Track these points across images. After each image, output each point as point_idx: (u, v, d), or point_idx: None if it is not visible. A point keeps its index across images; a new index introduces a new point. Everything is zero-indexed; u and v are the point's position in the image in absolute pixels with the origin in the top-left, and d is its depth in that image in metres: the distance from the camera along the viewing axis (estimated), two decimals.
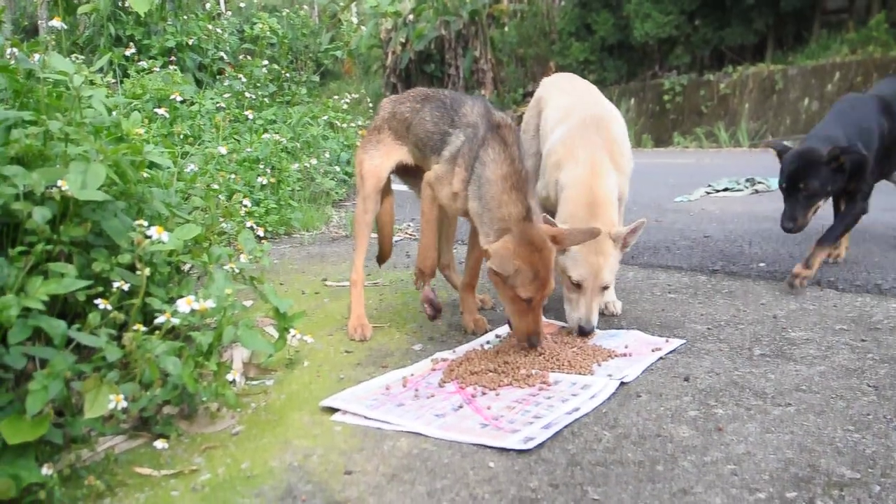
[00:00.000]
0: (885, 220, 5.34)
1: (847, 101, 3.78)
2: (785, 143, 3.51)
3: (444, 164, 2.80)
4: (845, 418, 2.01)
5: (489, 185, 2.59)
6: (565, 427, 2.00)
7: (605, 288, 2.89)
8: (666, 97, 18.72)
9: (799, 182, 3.29)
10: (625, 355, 2.60)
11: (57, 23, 2.85)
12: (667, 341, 2.74)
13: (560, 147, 3.18)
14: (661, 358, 2.57)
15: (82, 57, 6.53)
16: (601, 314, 3.17)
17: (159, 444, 1.93)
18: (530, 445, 1.87)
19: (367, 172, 3.09)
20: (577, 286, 2.83)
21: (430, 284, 2.93)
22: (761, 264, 4.01)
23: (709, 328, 2.94)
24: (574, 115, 3.29)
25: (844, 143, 3.33)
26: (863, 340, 2.68)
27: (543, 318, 2.97)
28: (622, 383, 2.32)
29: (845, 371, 2.37)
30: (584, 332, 2.81)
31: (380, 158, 3.10)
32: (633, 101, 19.74)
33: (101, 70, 5.82)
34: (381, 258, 3.46)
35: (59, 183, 1.99)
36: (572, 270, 2.81)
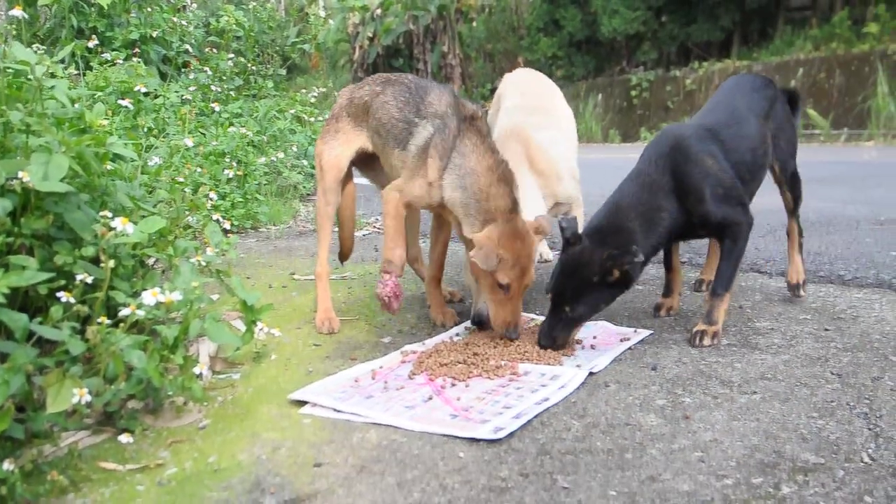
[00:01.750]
0: (848, 213, 5.44)
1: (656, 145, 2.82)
2: (572, 224, 2.59)
3: (412, 159, 2.75)
4: (809, 405, 2.04)
5: (474, 176, 2.58)
6: (535, 417, 2.00)
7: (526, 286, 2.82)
8: (633, 93, 18.88)
9: (564, 305, 2.53)
10: (593, 346, 2.61)
11: (18, 12, 2.79)
12: (635, 331, 2.76)
13: None
14: (629, 348, 2.59)
15: (44, 48, 6.41)
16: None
17: (124, 438, 1.90)
18: (500, 435, 1.87)
19: (327, 164, 3.03)
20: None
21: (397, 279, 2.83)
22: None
23: (676, 318, 2.97)
24: (501, 125, 3.27)
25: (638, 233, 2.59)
26: (826, 330, 2.72)
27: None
28: (591, 373, 2.33)
29: (809, 359, 2.41)
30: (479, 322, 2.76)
31: (339, 148, 3.04)
32: (600, 96, 19.87)
33: (63, 61, 5.73)
34: (343, 255, 3.41)
35: (21, 174, 1.95)
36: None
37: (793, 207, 3.20)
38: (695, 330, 2.65)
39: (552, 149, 3.11)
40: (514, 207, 2.56)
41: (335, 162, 3.03)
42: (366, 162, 3.13)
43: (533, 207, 2.88)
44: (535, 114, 3.31)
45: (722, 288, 2.67)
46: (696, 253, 4.21)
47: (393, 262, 2.79)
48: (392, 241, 2.80)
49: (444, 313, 2.99)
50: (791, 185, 3.16)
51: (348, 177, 3.17)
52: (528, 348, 2.56)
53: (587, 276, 2.51)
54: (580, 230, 2.64)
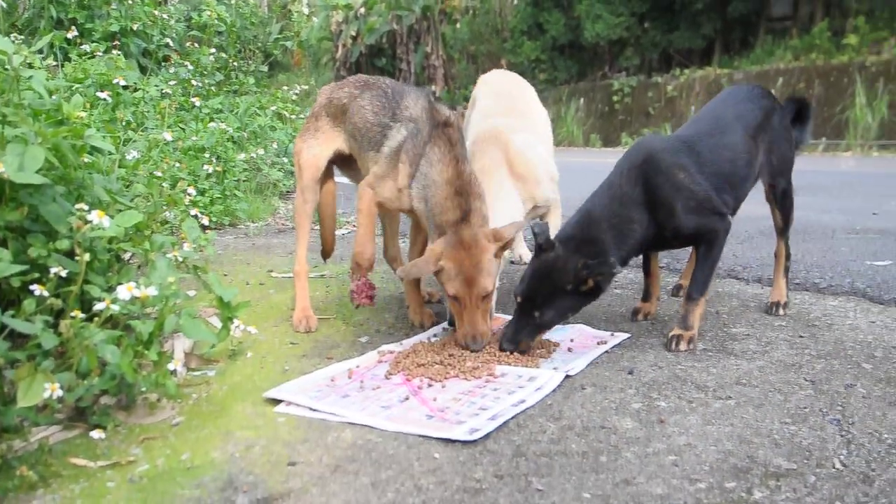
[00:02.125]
0: (824, 222, 5.50)
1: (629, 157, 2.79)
2: (545, 229, 2.56)
3: (385, 161, 2.74)
4: (783, 411, 2.05)
5: (435, 188, 2.57)
6: (511, 419, 2.00)
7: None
8: (615, 98, 18.96)
9: (533, 310, 2.52)
10: (570, 349, 2.62)
11: None
12: (612, 335, 2.77)
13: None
14: (606, 351, 2.60)
15: (22, 38, 6.33)
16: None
17: (96, 434, 1.88)
18: (476, 437, 1.87)
19: (305, 162, 3.03)
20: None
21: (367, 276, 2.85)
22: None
23: (653, 323, 2.98)
24: (477, 127, 3.24)
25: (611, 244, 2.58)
26: (801, 336, 2.74)
27: (494, 313, 2.98)
28: (567, 376, 2.34)
29: (783, 366, 2.43)
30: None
31: (318, 147, 3.03)
32: (582, 100, 19.94)
33: (41, 52, 5.66)
34: (325, 253, 3.41)
35: None
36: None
37: (782, 227, 3.15)
38: (671, 335, 2.66)
39: (530, 151, 3.09)
40: (463, 218, 2.51)
41: (313, 161, 3.02)
42: (345, 161, 3.12)
43: (510, 212, 2.86)
44: (510, 115, 3.29)
45: (697, 293, 2.68)
46: (675, 258, 4.23)
47: (360, 263, 2.80)
48: (362, 238, 2.81)
49: (422, 314, 2.97)
50: (781, 205, 3.10)
51: (328, 175, 3.16)
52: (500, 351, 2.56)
53: (560, 283, 2.51)
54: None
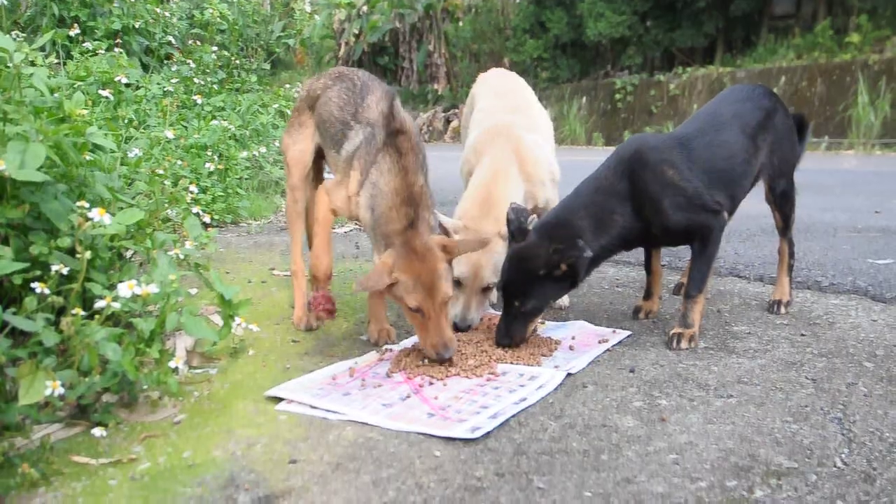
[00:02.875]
0: (826, 220, 5.49)
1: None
2: (525, 214, 2.61)
3: (342, 164, 2.65)
4: (784, 410, 2.05)
5: (381, 198, 2.46)
6: (512, 417, 2.00)
7: (487, 289, 2.80)
8: (617, 96, 18.98)
9: (514, 300, 2.55)
10: (571, 347, 2.62)
11: None
12: (613, 332, 2.77)
13: (472, 155, 3.13)
14: (607, 349, 2.60)
15: (24, 35, 6.33)
16: (550, 307, 3.19)
17: (97, 432, 1.88)
18: (477, 435, 1.87)
19: (292, 160, 2.97)
20: (458, 284, 2.74)
21: (328, 288, 2.78)
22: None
23: (654, 321, 2.98)
24: (484, 122, 3.23)
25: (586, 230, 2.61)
26: (802, 335, 2.74)
27: (491, 311, 2.98)
28: (569, 374, 2.34)
29: (785, 364, 2.42)
30: (457, 328, 2.71)
31: (303, 143, 2.97)
32: (585, 99, 19.94)
33: (43, 49, 5.66)
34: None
35: None
36: (454, 268, 2.62)
37: (782, 227, 3.14)
38: (672, 333, 2.67)
39: (538, 151, 3.10)
40: (410, 225, 2.40)
41: (299, 157, 2.97)
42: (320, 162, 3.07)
43: (500, 215, 2.79)
44: (516, 114, 3.29)
45: (695, 290, 2.69)
46: (676, 256, 4.23)
47: (317, 275, 2.72)
48: (318, 249, 2.72)
49: (380, 331, 2.75)
50: (780, 206, 3.09)
51: (319, 172, 3.11)
52: (503, 349, 2.56)
53: (534, 270, 2.53)
54: None
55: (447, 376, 2.31)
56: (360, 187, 2.54)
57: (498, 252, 2.76)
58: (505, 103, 3.43)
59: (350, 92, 2.75)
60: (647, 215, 2.66)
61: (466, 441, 1.86)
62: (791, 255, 3.16)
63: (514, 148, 3.01)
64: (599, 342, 2.66)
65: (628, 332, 2.78)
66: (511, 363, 2.45)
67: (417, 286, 2.34)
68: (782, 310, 3.08)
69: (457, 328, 2.71)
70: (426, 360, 2.41)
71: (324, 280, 2.73)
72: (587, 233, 2.59)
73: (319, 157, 3.02)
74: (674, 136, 2.86)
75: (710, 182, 2.71)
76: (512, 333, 2.56)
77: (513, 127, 3.11)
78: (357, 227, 5.53)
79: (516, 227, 2.57)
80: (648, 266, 3.09)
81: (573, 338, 2.73)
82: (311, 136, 2.96)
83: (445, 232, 2.72)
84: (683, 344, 2.62)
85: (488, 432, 1.90)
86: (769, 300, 3.16)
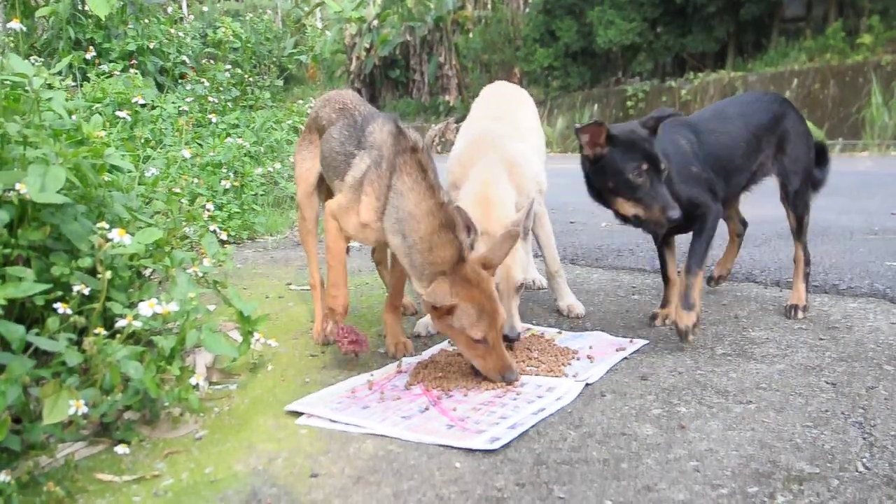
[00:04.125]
0: (842, 223, 5.46)
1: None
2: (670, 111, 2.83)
3: (348, 191, 2.56)
4: (804, 415, 2.04)
5: (413, 222, 2.35)
6: (531, 427, 2.01)
7: (520, 288, 2.77)
8: (629, 103, 18.94)
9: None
10: (589, 357, 2.62)
11: (15, 24, 2.81)
12: (631, 341, 2.77)
13: (456, 166, 3.05)
14: (625, 358, 2.60)
15: (41, 59, 6.42)
16: (566, 316, 3.20)
17: (120, 449, 1.91)
18: (496, 445, 1.88)
19: (299, 177, 3.00)
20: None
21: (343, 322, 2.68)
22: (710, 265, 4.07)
23: (671, 329, 2.97)
24: (468, 132, 3.20)
25: None
26: (821, 339, 2.73)
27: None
28: (587, 384, 2.34)
29: (804, 369, 2.41)
30: (508, 339, 2.56)
31: (310, 161, 2.98)
32: (596, 106, 19.93)
33: (60, 73, 5.74)
34: None
35: (18, 186, 1.96)
36: None
37: (796, 230, 3.17)
38: (681, 326, 2.68)
39: (523, 161, 3.05)
40: (461, 256, 2.31)
41: (305, 175, 2.99)
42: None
43: (500, 213, 2.77)
44: (499, 122, 3.24)
45: (695, 265, 2.75)
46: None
47: (334, 308, 2.65)
48: (334, 280, 2.65)
49: (397, 344, 2.75)
50: (793, 205, 3.13)
51: (328, 190, 3.05)
52: (522, 360, 2.56)
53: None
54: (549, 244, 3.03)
55: (466, 388, 2.32)
56: (378, 213, 2.45)
57: (518, 248, 2.69)
58: (491, 111, 3.39)
59: (351, 128, 2.70)
60: None
61: (486, 452, 1.86)
62: (807, 262, 3.17)
63: (502, 157, 2.96)
64: (617, 351, 2.66)
65: (645, 341, 2.77)
66: (530, 374, 2.46)
67: (483, 315, 2.27)
68: (799, 314, 3.07)
69: (507, 339, 2.56)
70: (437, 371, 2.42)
71: (342, 314, 2.66)
72: None
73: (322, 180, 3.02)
74: (686, 119, 3.05)
75: (712, 166, 2.89)
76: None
77: (497, 136, 3.06)
78: None
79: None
80: (665, 274, 3.12)
81: (590, 347, 2.72)
82: (316, 156, 2.96)
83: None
84: (691, 337, 2.66)
85: (508, 443, 1.91)
86: (786, 305, 3.16)
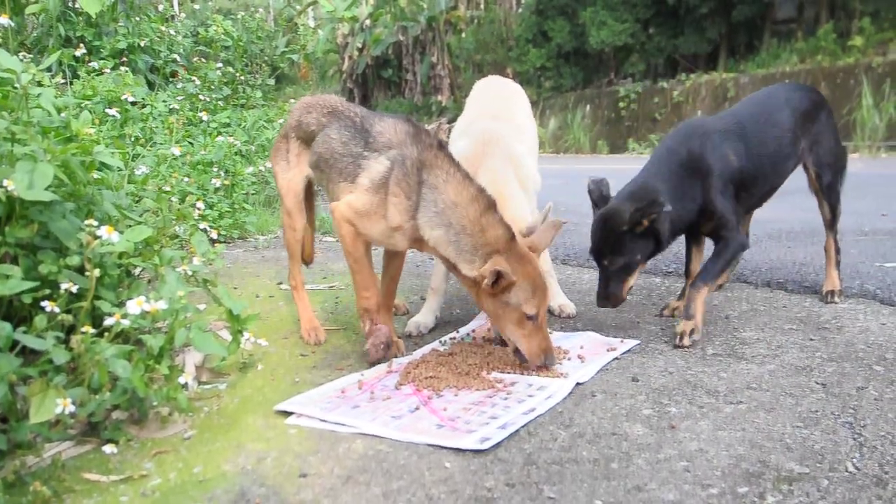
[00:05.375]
0: None
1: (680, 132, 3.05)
2: (601, 185, 2.87)
3: (365, 194, 2.51)
4: (794, 415, 2.04)
5: (458, 210, 2.37)
6: (521, 427, 2.00)
7: None
8: (621, 104, 18.97)
9: (602, 258, 2.77)
10: (580, 356, 2.61)
11: (4, 20, 2.79)
12: (622, 342, 2.77)
13: (464, 165, 3.06)
14: (616, 358, 2.60)
15: (30, 56, 6.38)
16: (557, 316, 3.20)
17: (108, 449, 1.89)
18: (486, 445, 1.87)
19: (284, 188, 2.94)
20: None
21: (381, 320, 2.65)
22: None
23: (662, 329, 2.97)
24: (472, 130, 3.17)
25: (663, 193, 2.77)
26: (811, 340, 2.73)
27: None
28: (578, 384, 2.33)
29: (794, 369, 2.42)
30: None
31: (292, 171, 2.93)
32: (588, 107, 19.95)
33: (49, 70, 5.71)
34: (306, 261, 3.29)
35: (5, 183, 1.95)
36: None
37: (830, 220, 3.33)
38: (675, 331, 2.77)
39: (524, 161, 3.06)
40: (512, 234, 2.37)
41: (291, 186, 2.94)
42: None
43: (525, 214, 2.80)
44: (499, 121, 3.23)
45: (702, 281, 2.82)
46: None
47: (370, 309, 2.62)
48: (362, 283, 2.63)
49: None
50: (827, 196, 3.29)
51: (310, 197, 3.08)
52: (513, 360, 2.56)
53: (617, 227, 2.71)
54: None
55: (456, 387, 2.31)
56: (411, 212, 2.43)
57: None
58: (488, 110, 3.36)
59: (352, 128, 2.67)
60: (703, 191, 2.84)
61: (476, 452, 1.86)
62: (838, 251, 3.35)
63: (508, 156, 2.97)
64: (608, 351, 2.66)
65: (636, 341, 2.78)
66: (521, 374, 2.45)
67: (537, 291, 2.36)
68: (836, 299, 3.25)
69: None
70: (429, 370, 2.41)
71: (377, 311, 2.62)
72: (664, 195, 2.73)
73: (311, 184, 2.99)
74: (736, 121, 3.05)
75: (758, 164, 2.96)
76: (608, 293, 2.79)
77: (502, 135, 3.06)
78: None
79: (598, 196, 2.80)
80: (688, 269, 3.24)
81: (581, 347, 2.72)
82: (300, 164, 2.92)
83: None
84: (686, 341, 2.69)
85: (498, 443, 1.90)
86: (821, 291, 3.32)
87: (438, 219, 2.40)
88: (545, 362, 2.40)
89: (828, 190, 3.27)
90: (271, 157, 3.05)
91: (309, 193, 3.08)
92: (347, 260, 2.65)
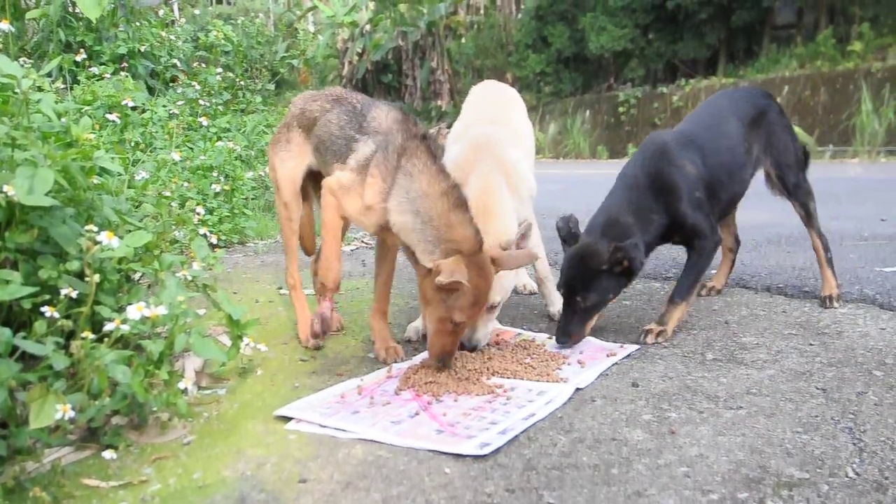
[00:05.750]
0: (832, 229, 5.47)
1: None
2: (570, 222, 2.84)
3: (350, 172, 2.59)
4: (794, 420, 2.04)
5: (427, 200, 2.41)
6: (521, 432, 2.00)
7: (493, 307, 2.71)
8: (621, 109, 19.00)
9: (575, 295, 2.74)
10: (580, 361, 2.61)
11: (5, 26, 2.79)
12: (621, 347, 2.77)
13: (455, 170, 2.90)
14: (615, 363, 2.60)
15: (31, 61, 6.39)
16: (557, 321, 3.19)
17: (108, 454, 1.89)
18: (486, 451, 1.87)
19: (282, 179, 2.94)
20: None
21: (333, 300, 2.72)
22: (712, 271, 4.07)
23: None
24: (467, 135, 3.15)
25: (633, 224, 2.80)
26: (811, 345, 2.73)
27: (499, 325, 2.99)
28: (577, 389, 2.33)
29: (794, 374, 2.42)
30: (464, 349, 2.66)
31: (292, 161, 2.94)
32: (588, 112, 19.98)
33: (50, 75, 5.72)
34: (307, 251, 3.32)
35: (5, 188, 1.95)
36: None
37: (806, 217, 3.31)
38: (643, 328, 2.88)
39: (519, 168, 3.02)
40: (478, 240, 2.40)
41: (290, 175, 2.94)
42: (316, 178, 3.00)
43: (511, 230, 2.76)
44: (496, 126, 3.20)
45: (679, 297, 2.88)
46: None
47: (326, 283, 2.65)
48: (328, 255, 2.65)
49: (387, 349, 2.76)
50: (796, 196, 3.26)
51: (307, 191, 3.08)
52: (511, 365, 2.56)
53: (596, 266, 2.69)
54: (538, 249, 3.00)
55: (456, 393, 2.31)
56: (384, 195, 2.49)
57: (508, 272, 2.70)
58: (485, 115, 3.34)
59: (351, 113, 2.74)
60: (671, 209, 2.84)
61: (476, 457, 1.86)
62: (825, 248, 3.30)
63: (500, 162, 2.93)
64: (607, 356, 2.66)
65: (636, 346, 2.78)
66: (521, 379, 2.45)
67: (475, 304, 2.39)
68: (834, 304, 3.23)
69: (463, 348, 2.65)
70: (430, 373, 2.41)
71: (333, 289, 2.66)
72: (636, 230, 2.76)
73: (310, 178, 3.00)
74: (687, 134, 3.05)
75: (714, 174, 2.95)
76: (571, 332, 2.73)
77: (496, 142, 3.03)
78: (365, 244, 5.54)
79: (567, 233, 2.77)
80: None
81: (581, 352, 2.72)
82: (301, 154, 2.94)
83: None
84: (650, 339, 2.82)
85: (498, 448, 1.90)
86: (820, 297, 3.30)
87: (408, 205, 2.44)
88: (441, 364, 2.46)
89: (795, 189, 3.25)
90: (270, 148, 3.05)
91: (307, 184, 3.07)
92: (322, 231, 2.69)
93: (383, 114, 2.66)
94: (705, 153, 2.95)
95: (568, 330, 2.73)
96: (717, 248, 2.96)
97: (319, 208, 2.73)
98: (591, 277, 2.71)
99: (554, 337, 2.79)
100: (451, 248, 2.38)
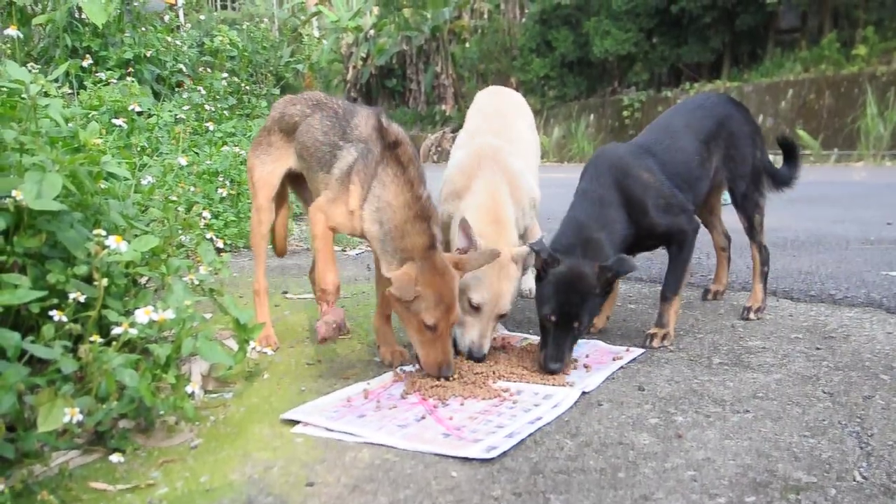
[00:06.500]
0: (837, 233, 5.47)
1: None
2: (547, 248, 2.66)
3: (336, 183, 2.61)
4: (801, 424, 2.04)
5: (390, 211, 2.44)
6: (528, 436, 2.00)
7: (502, 316, 2.73)
8: (625, 113, 19.02)
9: (573, 321, 2.57)
10: (586, 365, 2.62)
11: (12, 31, 2.81)
12: (627, 350, 2.77)
13: (458, 176, 3.01)
14: (621, 367, 2.60)
15: (38, 67, 6.41)
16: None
17: (115, 458, 1.90)
18: (493, 454, 1.87)
19: (259, 181, 2.94)
20: (476, 309, 2.66)
21: (336, 304, 2.69)
22: (711, 275, 4.07)
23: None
24: (469, 144, 3.16)
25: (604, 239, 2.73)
26: (817, 349, 2.73)
27: (504, 331, 2.99)
28: (584, 392, 2.34)
29: (801, 378, 2.41)
30: (472, 357, 2.64)
31: (271, 164, 2.94)
32: (592, 116, 20.00)
33: (57, 80, 5.72)
34: (279, 253, 3.38)
35: (14, 193, 1.95)
36: (474, 292, 2.64)
37: (748, 229, 3.27)
38: (647, 333, 2.90)
39: (521, 178, 3.03)
40: (431, 244, 2.41)
41: (267, 178, 2.94)
42: (296, 180, 3.03)
43: (511, 238, 2.79)
44: (501, 136, 3.20)
45: (670, 292, 2.90)
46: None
47: (327, 290, 2.62)
48: (323, 265, 2.64)
49: (392, 352, 2.77)
50: (742, 208, 3.24)
51: (283, 195, 3.10)
52: (517, 369, 2.57)
53: (590, 289, 2.58)
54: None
55: (462, 396, 2.31)
56: (362, 201, 2.52)
57: (515, 278, 2.71)
58: (490, 125, 3.33)
59: (333, 118, 2.75)
60: (636, 220, 2.81)
61: (483, 461, 1.86)
62: (763, 262, 3.28)
63: (503, 170, 2.94)
64: (613, 360, 2.66)
65: (642, 350, 2.78)
66: (527, 382, 2.45)
67: (440, 304, 2.37)
68: (752, 316, 3.22)
69: (471, 356, 2.64)
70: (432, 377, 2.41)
71: (334, 293, 2.63)
72: (607, 245, 2.71)
73: (288, 180, 3.01)
74: (640, 144, 3.05)
75: (676, 186, 2.93)
76: (563, 357, 2.55)
77: (500, 151, 3.03)
78: (368, 249, 5.55)
79: (548, 256, 2.60)
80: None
81: (587, 356, 2.73)
82: (281, 158, 2.94)
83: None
84: (656, 342, 2.84)
85: (504, 452, 1.90)
86: (744, 306, 3.28)
87: (376, 215, 2.48)
88: (441, 374, 2.43)
89: (743, 199, 3.22)
90: (250, 151, 3.04)
91: (283, 199, 3.12)
92: (314, 243, 2.68)
93: (364, 120, 2.66)
94: (663, 165, 2.93)
95: (561, 356, 2.54)
96: (696, 234, 2.93)
97: (302, 211, 2.75)
98: (583, 301, 2.58)
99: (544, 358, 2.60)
100: (405, 258, 2.41)
